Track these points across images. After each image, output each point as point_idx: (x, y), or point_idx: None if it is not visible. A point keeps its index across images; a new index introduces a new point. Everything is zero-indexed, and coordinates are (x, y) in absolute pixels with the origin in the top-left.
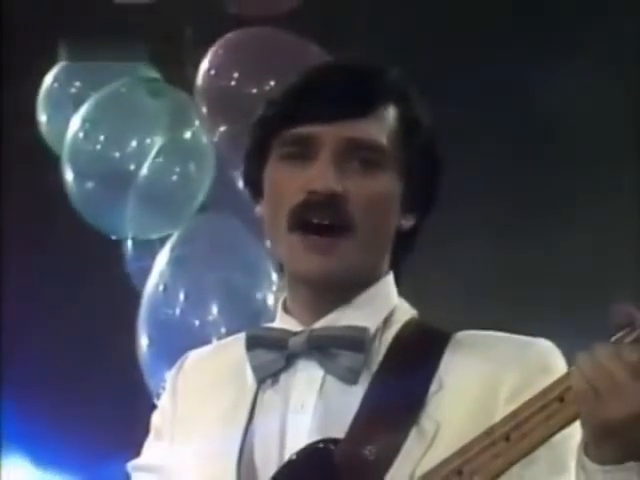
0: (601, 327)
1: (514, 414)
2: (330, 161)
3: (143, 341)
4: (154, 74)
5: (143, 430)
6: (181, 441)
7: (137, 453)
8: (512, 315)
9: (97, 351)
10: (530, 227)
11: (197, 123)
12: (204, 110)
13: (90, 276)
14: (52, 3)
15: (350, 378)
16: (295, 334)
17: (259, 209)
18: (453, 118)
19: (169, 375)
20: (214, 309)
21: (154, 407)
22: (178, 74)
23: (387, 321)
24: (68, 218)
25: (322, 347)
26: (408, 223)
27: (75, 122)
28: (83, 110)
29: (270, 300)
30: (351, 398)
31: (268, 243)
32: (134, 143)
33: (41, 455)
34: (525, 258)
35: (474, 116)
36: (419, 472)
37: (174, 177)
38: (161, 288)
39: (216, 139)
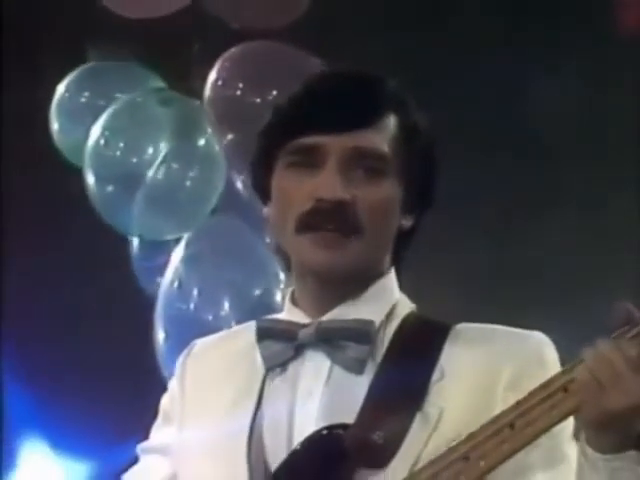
0: (592, 322)
1: (519, 403)
2: (336, 170)
3: (160, 335)
4: (163, 85)
5: (156, 415)
6: (190, 424)
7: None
8: (507, 309)
9: (112, 339)
10: (526, 226)
11: (209, 131)
12: (212, 118)
13: (104, 265)
14: (69, 23)
15: (356, 368)
16: (303, 326)
17: (266, 210)
18: (451, 119)
19: (178, 362)
20: (225, 305)
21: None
22: (187, 85)
23: (390, 314)
24: (81, 220)
25: (330, 339)
26: (408, 223)
27: (95, 130)
28: (103, 119)
29: (278, 297)
30: (357, 387)
31: (271, 242)
32: (150, 150)
33: (57, 439)
34: (520, 255)
35: (472, 117)
36: (425, 455)
37: (187, 182)
38: (176, 285)
39: (224, 146)
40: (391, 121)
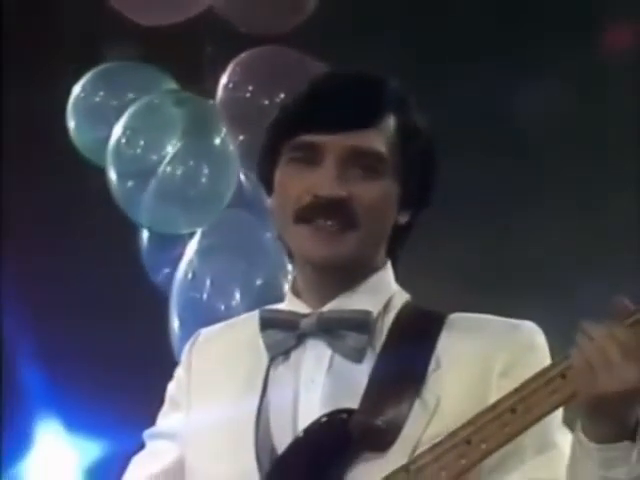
0: (583, 312)
1: (519, 389)
2: (334, 168)
3: (174, 322)
4: (175, 86)
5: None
6: (197, 411)
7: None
8: (499, 299)
9: (127, 323)
10: (518, 217)
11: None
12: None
13: (119, 253)
14: (84, 26)
15: (356, 357)
16: (304, 316)
17: (270, 202)
18: (451, 118)
19: (184, 350)
20: (236, 294)
21: None
22: (199, 87)
23: (387, 305)
24: (96, 213)
25: (330, 328)
26: (404, 219)
27: (117, 130)
28: (123, 120)
29: (285, 287)
30: (357, 375)
31: (275, 233)
32: (169, 148)
33: (71, 420)
34: (513, 248)
35: (471, 116)
36: (424, 439)
37: (203, 179)
38: (190, 276)
39: (237, 145)
40: (391, 121)
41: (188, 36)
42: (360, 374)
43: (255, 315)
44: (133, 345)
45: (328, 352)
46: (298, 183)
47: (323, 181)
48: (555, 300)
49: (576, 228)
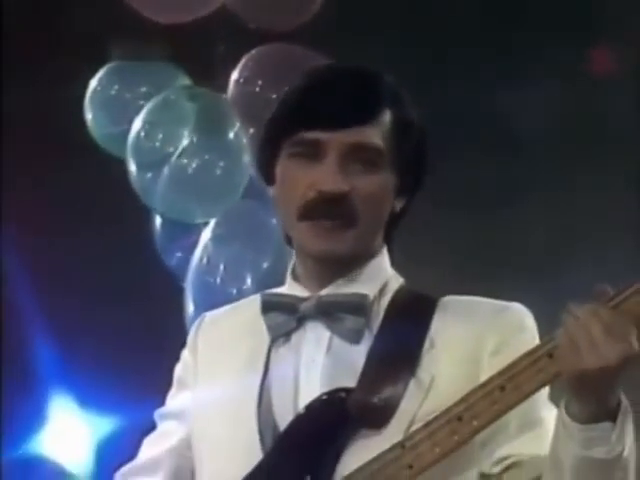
0: (569, 295)
1: (508, 368)
2: (336, 163)
3: (189, 305)
4: (189, 82)
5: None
6: (203, 390)
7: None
8: (489, 283)
9: (140, 303)
10: (510, 201)
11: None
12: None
13: (129, 238)
14: (100, 23)
15: (354, 338)
16: (304, 299)
17: (271, 191)
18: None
19: (190, 333)
20: (248, 279)
21: None
22: (211, 83)
23: (383, 289)
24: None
25: (329, 311)
26: (399, 205)
27: (136, 124)
28: (142, 114)
29: None
30: (355, 355)
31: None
32: (185, 141)
33: (84, 397)
34: (501, 233)
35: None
36: (419, 416)
37: (218, 171)
38: (205, 261)
39: (248, 137)
40: (387, 116)
41: (200, 34)
42: (358, 355)
43: (257, 299)
44: (144, 324)
45: (327, 334)
46: (301, 179)
47: (326, 177)
48: (542, 283)
49: (562, 214)
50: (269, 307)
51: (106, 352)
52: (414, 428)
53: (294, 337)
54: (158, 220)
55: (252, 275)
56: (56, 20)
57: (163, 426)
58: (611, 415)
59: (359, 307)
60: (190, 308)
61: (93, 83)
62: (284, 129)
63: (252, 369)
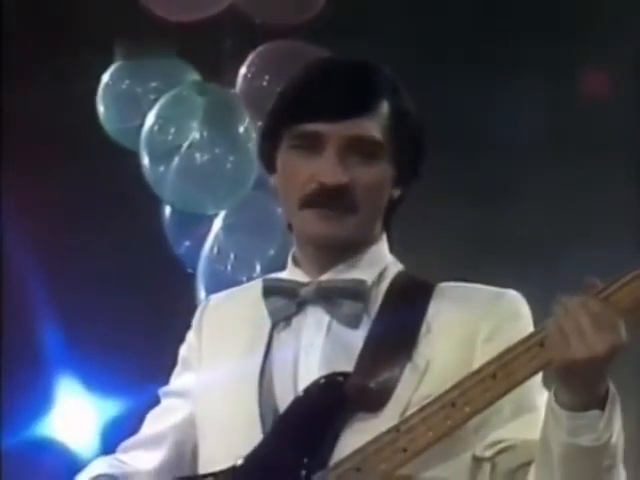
0: (564, 284)
1: (501, 356)
2: (335, 155)
3: (201, 291)
4: (198, 77)
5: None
6: (207, 371)
7: None
8: (486, 270)
9: (145, 289)
10: (504, 193)
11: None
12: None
13: (137, 225)
14: (113, 20)
15: (352, 323)
16: (304, 285)
17: (272, 180)
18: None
19: (195, 315)
20: (257, 267)
21: None
22: (220, 78)
23: (381, 275)
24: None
25: (328, 296)
26: (397, 193)
27: (150, 118)
28: (156, 109)
29: None
30: (353, 340)
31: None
32: (197, 135)
33: (90, 379)
34: (499, 222)
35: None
36: (414, 400)
37: (228, 165)
38: (215, 250)
39: (257, 131)
40: (384, 108)
41: (209, 31)
42: (356, 339)
43: (259, 283)
44: (150, 308)
45: (326, 318)
46: (302, 170)
47: (326, 169)
48: (540, 271)
49: (560, 203)
50: (270, 292)
51: (112, 336)
52: (410, 412)
53: (294, 321)
54: (168, 209)
55: (261, 263)
56: (66, 17)
57: (167, 403)
58: (599, 403)
59: (357, 292)
60: (202, 295)
61: (105, 78)
62: (284, 121)
63: (254, 352)
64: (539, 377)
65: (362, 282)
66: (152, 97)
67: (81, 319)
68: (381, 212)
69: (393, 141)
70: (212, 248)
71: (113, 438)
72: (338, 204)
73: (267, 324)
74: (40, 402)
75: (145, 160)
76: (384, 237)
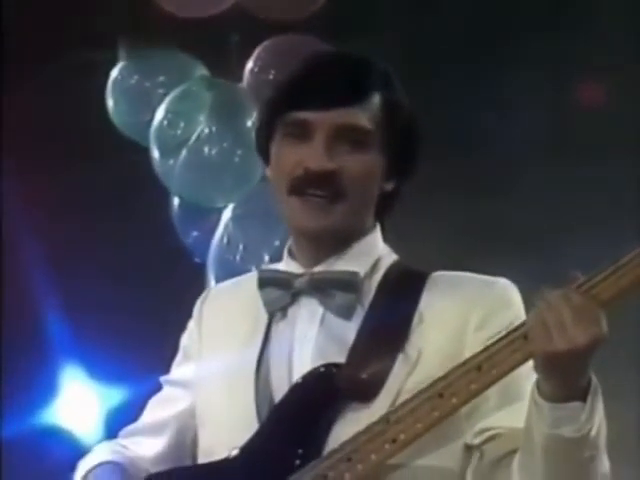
0: (556, 273)
1: (486, 349)
2: (323, 143)
3: (211, 282)
4: (206, 72)
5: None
6: (207, 361)
7: None
8: (479, 258)
9: (148, 279)
10: (503, 184)
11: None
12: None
13: (143, 216)
14: (124, 15)
15: (345, 314)
16: (298, 276)
17: (268, 171)
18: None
19: (195, 305)
20: (265, 257)
21: None
22: (227, 72)
23: (375, 266)
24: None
25: (321, 287)
26: (389, 187)
27: (160, 113)
28: (165, 103)
29: None
30: (346, 331)
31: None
32: (207, 130)
33: (94, 368)
34: (496, 212)
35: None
36: (405, 390)
37: (236, 159)
38: (225, 240)
39: None
40: (376, 99)
41: (216, 27)
42: (349, 330)
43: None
44: (154, 297)
45: (320, 310)
46: (291, 157)
47: (314, 155)
48: (537, 262)
49: (559, 195)
50: (265, 283)
51: (116, 324)
52: (401, 400)
53: (290, 312)
54: (176, 200)
55: (270, 253)
56: (74, 11)
57: (169, 391)
58: (581, 395)
59: (350, 284)
60: (212, 284)
61: (114, 73)
62: (277, 111)
63: (252, 343)
64: (528, 366)
65: (355, 274)
66: (160, 91)
67: (85, 307)
68: (372, 202)
69: (384, 132)
70: (222, 238)
71: (117, 425)
72: (325, 191)
73: (265, 315)
74: (44, 390)
75: (155, 154)
76: (377, 228)
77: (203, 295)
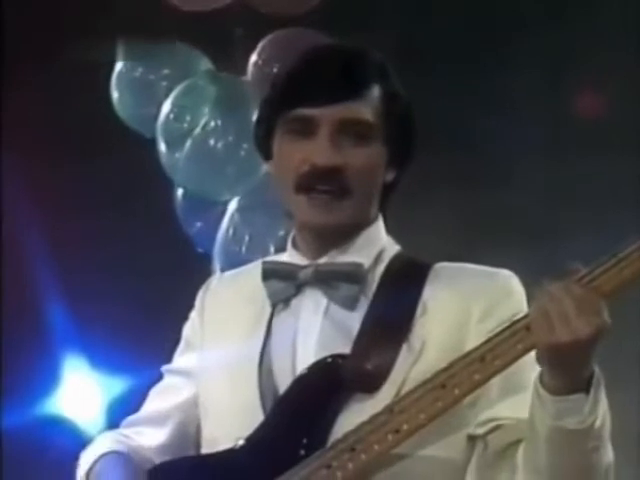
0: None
1: (489, 340)
2: (327, 138)
3: (218, 272)
4: (211, 65)
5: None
6: (209, 351)
7: None
8: (481, 250)
9: (151, 271)
10: (505, 176)
11: None
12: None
13: (147, 207)
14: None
15: (349, 305)
16: (303, 267)
17: (268, 166)
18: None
19: (198, 295)
20: (271, 248)
21: None
22: (231, 65)
23: (378, 258)
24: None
25: (325, 279)
26: (391, 176)
27: (166, 106)
28: (172, 97)
29: None
30: (350, 322)
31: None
32: (212, 123)
33: (96, 358)
34: (494, 203)
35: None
36: (409, 381)
37: (242, 152)
38: (231, 231)
39: None
40: (375, 91)
41: (220, 20)
42: (353, 321)
43: (260, 265)
44: (156, 287)
45: (324, 301)
46: (296, 154)
47: (319, 151)
48: (540, 254)
49: (561, 187)
50: (269, 274)
51: (118, 315)
52: (405, 390)
53: (293, 303)
54: (179, 191)
55: (275, 244)
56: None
57: (171, 381)
58: (584, 386)
59: (354, 275)
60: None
61: (119, 66)
62: (277, 107)
63: (255, 333)
64: (531, 357)
65: (359, 265)
66: (164, 84)
67: (87, 297)
68: (376, 195)
69: (385, 123)
70: (228, 229)
71: (119, 416)
72: (331, 187)
73: (268, 306)
74: (46, 380)
75: (162, 147)
76: (380, 219)
77: (205, 285)
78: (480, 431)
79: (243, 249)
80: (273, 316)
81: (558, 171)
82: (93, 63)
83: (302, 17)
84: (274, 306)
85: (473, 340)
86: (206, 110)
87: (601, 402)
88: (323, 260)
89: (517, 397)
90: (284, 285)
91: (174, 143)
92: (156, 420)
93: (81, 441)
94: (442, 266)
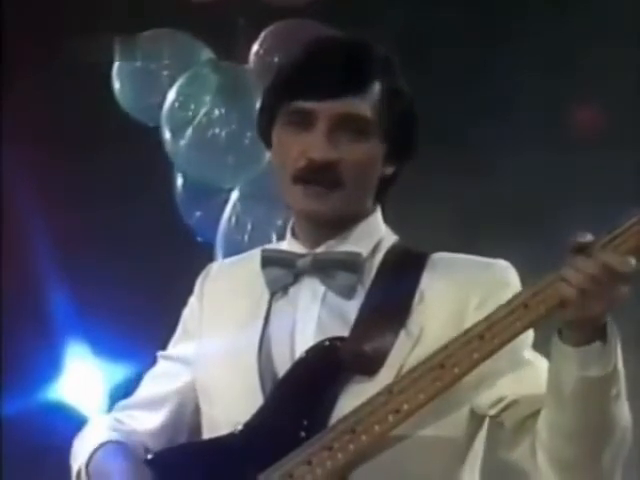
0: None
1: (487, 318)
2: (325, 132)
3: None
4: (212, 55)
5: None
6: (208, 338)
7: None
8: (478, 240)
9: (153, 257)
10: (503, 164)
11: None
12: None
13: (147, 193)
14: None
15: (346, 293)
16: (301, 256)
17: (270, 156)
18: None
19: (197, 282)
20: (273, 237)
21: None
22: (233, 55)
23: (376, 247)
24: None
25: (323, 268)
26: (389, 170)
27: (171, 95)
28: (176, 85)
29: None
30: (348, 310)
31: None
32: (216, 111)
33: (98, 345)
34: (492, 194)
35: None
36: (407, 365)
37: (245, 140)
38: (233, 220)
39: None
40: (376, 86)
41: (222, 10)
42: (351, 308)
43: (260, 252)
44: (158, 274)
45: (322, 289)
46: (293, 146)
47: (316, 145)
48: (538, 243)
49: (560, 175)
50: (268, 262)
51: (119, 300)
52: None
53: (292, 291)
54: (179, 179)
55: (277, 233)
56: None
57: (167, 366)
58: (600, 333)
59: (352, 264)
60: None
61: (120, 55)
62: (278, 99)
63: (254, 320)
64: (529, 337)
65: (357, 254)
66: (166, 73)
67: (88, 283)
68: (371, 188)
69: (385, 119)
70: (230, 218)
71: (120, 401)
72: (326, 180)
73: (266, 293)
74: (47, 366)
75: (167, 135)
76: (378, 210)
77: (204, 272)
78: (492, 412)
79: (245, 238)
80: (272, 304)
81: (558, 163)
82: (94, 53)
83: (304, 8)
84: (273, 294)
85: None
86: (208, 99)
87: (618, 346)
88: (321, 249)
89: (522, 372)
90: (283, 273)
91: (179, 131)
92: (152, 404)
93: (82, 427)
94: (440, 256)
